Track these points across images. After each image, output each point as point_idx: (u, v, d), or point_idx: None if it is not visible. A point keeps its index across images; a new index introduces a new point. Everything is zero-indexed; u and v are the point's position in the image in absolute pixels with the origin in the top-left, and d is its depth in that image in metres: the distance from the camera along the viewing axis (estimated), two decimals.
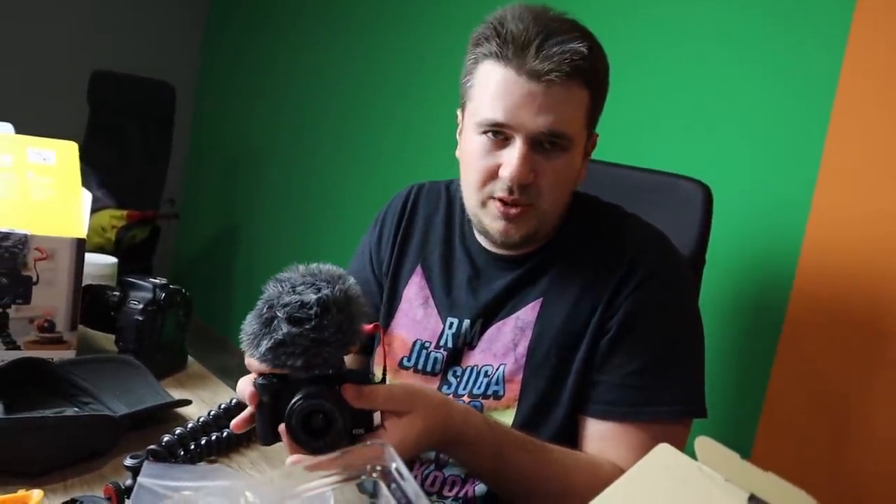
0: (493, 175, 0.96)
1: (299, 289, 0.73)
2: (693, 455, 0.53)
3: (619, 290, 0.97)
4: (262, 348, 0.72)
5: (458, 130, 1.06)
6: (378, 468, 0.47)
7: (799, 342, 1.56)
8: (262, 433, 0.78)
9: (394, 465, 0.47)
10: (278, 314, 0.72)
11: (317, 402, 0.73)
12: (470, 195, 1.01)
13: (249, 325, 0.74)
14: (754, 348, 1.65)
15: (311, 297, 0.72)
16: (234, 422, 0.81)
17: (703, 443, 0.50)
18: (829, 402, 1.51)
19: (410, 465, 0.87)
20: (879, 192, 1.45)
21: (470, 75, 0.99)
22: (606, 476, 0.91)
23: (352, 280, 0.78)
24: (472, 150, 0.98)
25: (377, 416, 0.79)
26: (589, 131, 1.00)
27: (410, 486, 0.45)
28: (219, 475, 0.52)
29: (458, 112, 1.05)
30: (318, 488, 0.46)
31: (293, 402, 0.74)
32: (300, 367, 0.72)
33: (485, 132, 0.96)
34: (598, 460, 0.94)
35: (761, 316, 1.65)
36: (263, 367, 0.75)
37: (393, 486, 0.46)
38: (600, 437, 0.96)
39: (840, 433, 1.49)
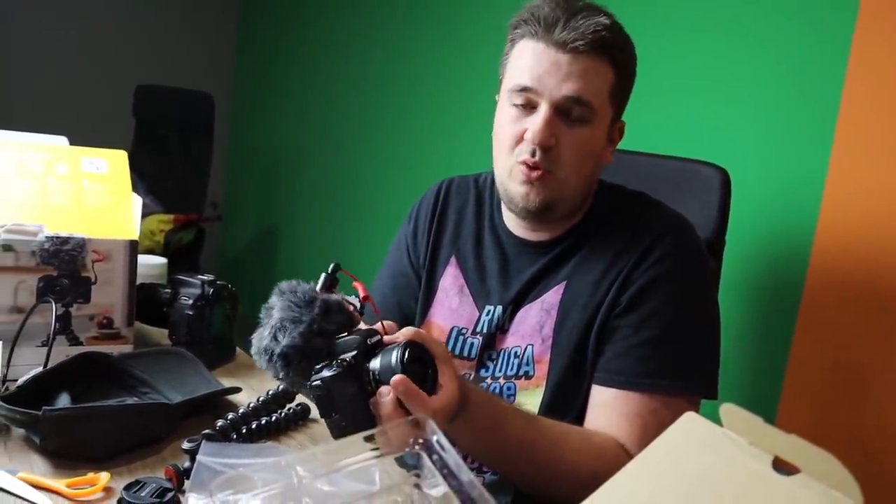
0: (519, 140, 0.98)
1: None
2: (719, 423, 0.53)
3: (636, 267, 0.98)
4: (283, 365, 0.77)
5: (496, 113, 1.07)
6: (420, 441, 0.47)
7: (817, 316, 1.54)
8: (357, 420, 0.76)
9: (435, 438, 0.47)
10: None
11: (419, 349, 0.77)
12: (500, 164, 1.03)
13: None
14: (774, 325, 1.64)
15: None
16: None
17: (727, 409, 0.50)
18: (849, 374, 1.49)
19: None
20: (891, 170, 1.43)
21: (506, 56, 1.02)
22: (602, 445, 0.91)
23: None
24: (502, 120, 1.01)
25: None
26: (614, 111, 1.01)
27: (452, 456, 0.46)
28: (271, 453, 0.53)
29: (496, 96, 1.06)
30: (363, 462, 0.47)
31: (392, 355, 0.76)
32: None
33: (514, 104, 0.98)
34: (593, 432, 0.93)
35: (780, 293, 1.63)
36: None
37: (435, 457, 0.47)
38: (600, 403, 0.96)
39: (860, 404, 1.47)
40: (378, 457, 0.48)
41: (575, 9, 0.96)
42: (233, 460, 0.51)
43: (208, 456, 0.51)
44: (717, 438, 0.50)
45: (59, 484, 0.78)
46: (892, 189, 1.42)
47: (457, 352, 1.08)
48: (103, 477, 0.79)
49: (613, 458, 0.88)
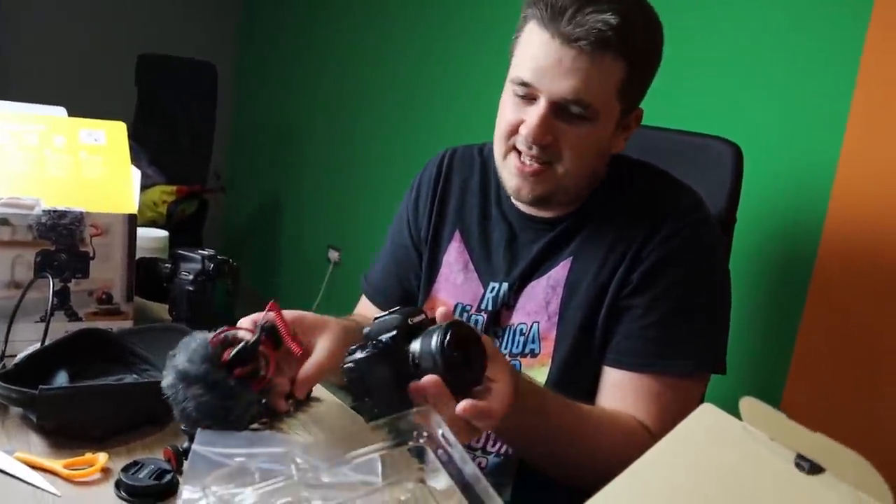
0: (516, 129, 0.95)
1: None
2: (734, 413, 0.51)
3: (645, 244, 0.94)
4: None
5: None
6: (425, 434, 0.45)
7: (827, 295, 1.52)
8: (391, 406, 0.68)
9: (440, 432, 0.45)
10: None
11: (466, 331, 0.69)
12: (496, 146, 0.99)
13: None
14: (784, 302, 1.61)
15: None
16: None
17: (747, 403, 0.47)
18: (858, 353, 1.47)
19: None
20: None
21: (517, 34, 0.96)
22: (629, 429, 0.89)
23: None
24: (504, 103, 0.97)
25: None
26: (625, 104, 0.95)
27: (457, 451, 0.44)
28: (270, 441, 0.51)
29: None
30: (367, 454, 0.44)
31: (434, 339, 0.69)
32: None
33: (515, 91, 0.94)
34: (621, 414, 0.92)
35: (791, 270, 1.60)
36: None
37: (440, 451, 0.44)
38: (613, 384, 0.94)
39: (869, 383, 1.45)
40: (385, 448, 0.45)
41: None
42: (230, 450, 0.49)
43: (204, 445, 0.49)
44: (737, 433, 0.48)
45: (57, 464, 0.76)
46: None
47: None
48: (101, 457, 0.77)
49: (642, 442, 0.85)
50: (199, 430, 0.52)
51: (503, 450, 0.99)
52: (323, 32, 3.39)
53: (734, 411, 0.53)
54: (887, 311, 1.42)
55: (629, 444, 0.85)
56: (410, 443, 0.46)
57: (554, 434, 0.85)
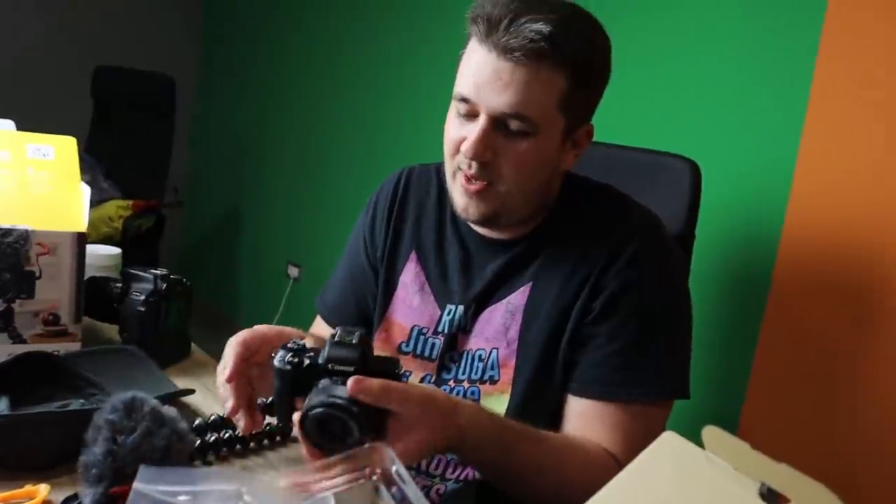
0: (459, 147, 0.92)
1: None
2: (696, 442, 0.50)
3: (606, 270, 0.93)
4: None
5: None
6: (378, 471, 0.43)
7: (784, 310, 1.53)
8: (279, 416, 0.78)
9: (394, 468, 0.43)
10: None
11: (332, 412, 0.69)
12: (445, 165, 0.97)
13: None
14: (742, 319, 1.63)
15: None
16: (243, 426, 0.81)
17: (710, 432, 0.46)
18: (816, 367, 1.48)
19: None
20: (857, 164, 1.42)
21: (463, 49, 0.94)
22: (596, 458, 0.88)
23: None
24: (449, 121, 0.95)
25: None
26: (570, 118, 0.92)
27: (411, 489, 0.42)
28: (217, 478, 0.48)
29: None
30: (318, 492, 0.42)
31: (309, 404, 0.70)
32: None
33: (458, 108, 0.92)
34: (587, 443, 0.90)
35: (748, 286, 1.62)
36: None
37: (394, 489, 0.42)
38: (578, 413, 0.92)
39: (827, 398, 1.46)
40: (338, 486, 0.43)
41: (520, 8, 0.86)
42: (174, 487, 0.46)
43: (146, 483, 0.46)
44: (700, 462, 0.46)
45: None
46: (857, 183, 1.42)
47: (418, 352, 1.03)
48: (42, 489, 0.73)
49: (609, 469, 0.84)
50: (141, 466, 0.49)
51: (462, 475, 0.97)
52: (282, 47, 3.35)
53: (693, 430, 0.52)
54: (844, 324, 1.44)
55: (596, 471, 0.84)
56: (362, 480, 0.44)
57: (518, 465, 0.83)
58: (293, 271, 3.15)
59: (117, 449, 0.67)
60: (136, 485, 0.47)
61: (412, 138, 2.61)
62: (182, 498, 0.46)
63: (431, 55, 2.54)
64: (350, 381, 0.70)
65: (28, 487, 0.74)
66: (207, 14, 3.91)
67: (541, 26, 0.84)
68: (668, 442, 0.48)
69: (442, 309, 1.02)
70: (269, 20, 3.46)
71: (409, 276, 1.06)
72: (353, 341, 0.75)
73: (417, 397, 0.75)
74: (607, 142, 1.35)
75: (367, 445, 0.45)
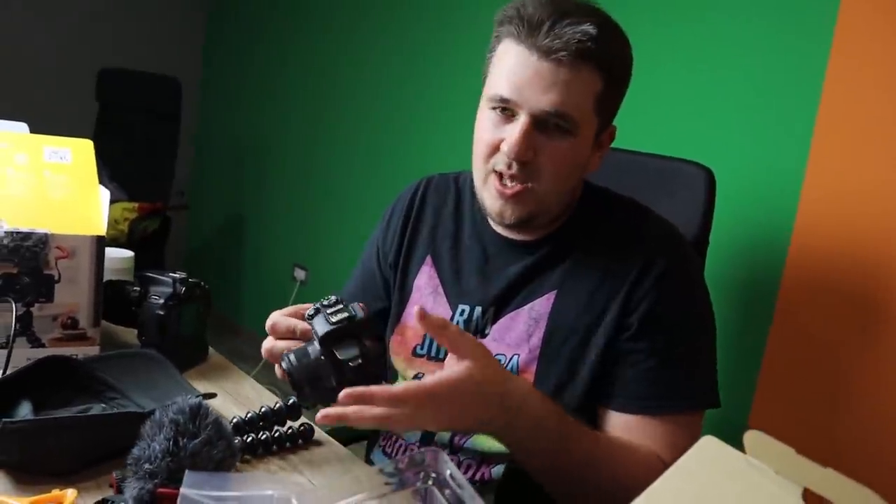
0: (496, 149, 0.93)
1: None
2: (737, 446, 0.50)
3: (637, 285, 0.93)
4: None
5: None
6: (433, 475, 0.43)
7: (792, 315, 1.54)
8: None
9: (448, 472, 0.43)
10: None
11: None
12: (476, 170, 0.97)
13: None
14: (750, 323, 1.63)
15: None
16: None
17: (752, 436, 0.46)
18: (823, 372, 1.49)
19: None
20: (866, 170, 1.42)
21: (491, 52, 0.95)
22: (645, 459, 0.88)
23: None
24: (481, 124, 0.95)
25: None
26: (601, 119, 0.94)
27: (467, 491, 0.42)
28: (262, 482, 0.48)
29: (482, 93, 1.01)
30: (367, 500, 0.42)
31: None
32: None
33: (493, 108, 0.93)
34: (636, 444, 0.90)
35: (757, 291, 1.62)
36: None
37: (447, 492, 0.42)
38: (625, 428, 0.92)
39: (834, 402, 1.47)
40: (390, 492, 0.43)
41: (562, 11, 0.88)
42: (221, 492, 0.46)
43: (193, 487, 0.46)
44: (741, 465, 0.47)
45: (22, 503, 0.72)
46: (866, 189, 1.42)
47: (433, 354, 1.03)
48: (70, 494, 0.73)
49: (660, 470, 0.84)
50: (187, 471, 0.49)
51: (477, 475, 0.97)
52: (287, 50, 3.36)
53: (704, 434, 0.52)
54: (851, 329, 1.45)
55: (645, 472, 0.83)
56: (418, 484, 0.44)
57: (575, 457, 0.83)
58: (300, 274, 3.16)
59: (178, 450, 0.67)
60: (183, 490, 0.47)
61: (417, 139, 2.62)
62: (228, 502, 0.47)
63: (437, 56, 2.54)
64: (416, 309, 0.74)
65: (55, 492, 0.74)
66: (212, 16, 3.91)
67: (587, 28, 0.86)
68: (708, 445, 0.49)
69: (454, 309, 1.03)
70: (274, 22, 3.47)
71: (424, 280, 1.07)
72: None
73: (469, 336, 0.79)
74: (625, 148, 1.35)
75: (423, 450, 0.45)
